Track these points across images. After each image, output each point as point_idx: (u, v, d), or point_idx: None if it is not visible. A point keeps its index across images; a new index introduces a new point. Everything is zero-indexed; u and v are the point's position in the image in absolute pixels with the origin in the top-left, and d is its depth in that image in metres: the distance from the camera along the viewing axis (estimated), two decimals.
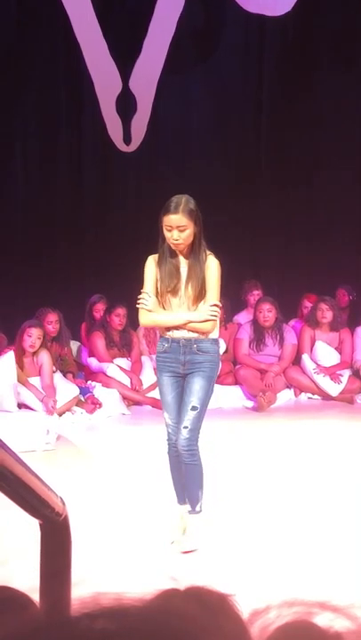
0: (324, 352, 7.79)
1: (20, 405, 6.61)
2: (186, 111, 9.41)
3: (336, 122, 9.34)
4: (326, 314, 7.79)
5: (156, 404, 6.40)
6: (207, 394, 3.85)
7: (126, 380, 7.47)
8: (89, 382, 7.42)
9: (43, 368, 6.81)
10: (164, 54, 8.90)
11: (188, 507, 3.92)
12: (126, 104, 9.01)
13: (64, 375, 7.24)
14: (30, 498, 1.36)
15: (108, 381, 7.37)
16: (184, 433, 3.81)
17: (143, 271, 3.92)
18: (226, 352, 7.90)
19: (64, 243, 9.07)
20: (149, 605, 0.56)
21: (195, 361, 3.84)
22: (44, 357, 6.82)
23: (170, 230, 3.76)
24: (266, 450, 5.81)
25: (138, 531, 4.02)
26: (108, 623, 0.52)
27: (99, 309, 7.99)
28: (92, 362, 7.65)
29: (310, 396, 7.81)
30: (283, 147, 9.41)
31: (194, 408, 3.80)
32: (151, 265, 3.90)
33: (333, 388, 7.62)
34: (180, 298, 3.85)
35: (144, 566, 3.58)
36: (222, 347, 7.82)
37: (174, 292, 3.85)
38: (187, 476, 3.90)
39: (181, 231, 3.74)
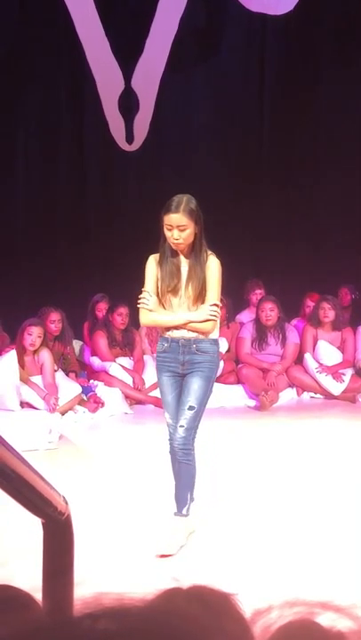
0: (327, 351, 7.78)
1: (23, 404, 6.62)
2: (188, 110, 9.41)
3: (338, 121, 9.33)
4: (329, 313, 7.79)
5: (159, 404, 6.39)
6: (205, 394, 3.84)
7: (129, 379, 7.47)
8: (91, 381, 7.42)
9: (44, 366, 6.81)
10: (167, 53, 8.90)
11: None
12: (128, 103, 9.02)
13: (66, 374, 7.25)
14: (33, 496, 1.36)
15: (110, 380, 7.38)
16: (180, 432, 3.80)
17: (144, 270, 3.92)
18: (228, 351, 7.91)
19: (66, 242, 9.08)
20: (151, 605, 0.57)
21: (194, 361, 3.83)
22: (46, 356, 6.82)
23: (170, 230, 3.75)
24: (268, 449, 5.80)
25: (140, 530, 4.02)
26: (111, 623, 0.52)
27: (101, 308, 8.00)
28: (95, 361, 7.65)
29: (313, 395, 7.81)
30: (285, 145, 9.40)
31: (191, 408, 3.79)
32: (152, 264, 3.90)
33: (336, 387, 7.62)
34: (181, 298, 3.84)
35: (146, 566, 3.59)
36: (225, 346, 7.82)
37: (175, 291, 3.84)
38: (178, 476, 3.87)
39: (182, 230, 3.73)
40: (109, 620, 0.53)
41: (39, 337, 6.79)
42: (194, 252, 3.83)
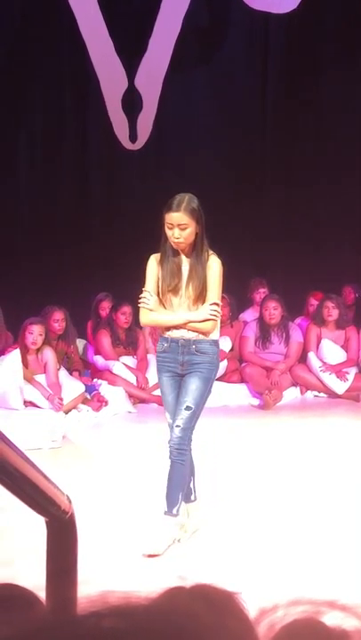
0: (330, 350, 7.78)
1: (26, 403, 6.62)
2: (190, 109, 9.40)
3: (340, 121, 9.32)
4: (332, 312, 7.78)
5: (162, 402, 6.40)
6: (203, 395, 3.81)
7: (132, 378, 7.48)
8: (95, 380, 7.43)
9: (48, 365, 6.82)
10: (170, 52, 8.90)
11: (165, 507, 3.83)
12: (132, 102, 9.02)
13: (70, 373, 7.25)
14: (37, 495, 1.36)
15: (114, 379, 7.38)
16: (176, 432, 3.79)
17: (145, 270, 3.91)
18: (232, 350, 7.91)
19: (70, 241, 9.07)
20: (157, 604, 0.56)
21: (193, 362, 3.82)
22: (49, 355, 6.83)
23: (171, 228, 3.73)
24: (271, 448, 5.80)
25: (143, 529, 4.02)
26: (117, 621, 0.52)
27: (105, 307, 8.00)
28: (98, 360, 7.66)
29: (316, 393, 7.80)
30: (287, 145, 9.40)
31: (188, 408, 3.78)
32: (153, 264, 3.88)
33: (339, 386, 7.61)
34: (181, 297, 3.82)
35: (149, 565, 3.59)
36: (228, 344, 7.82)
37: (175, 291, 3.82)
38: (171, 476, 3.84)
39: (182, 229, 3.71)
40: (116, 619, 0.53)
41: (40, 335, 6.79)
42: (195, 251, 3.81)
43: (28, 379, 6.66)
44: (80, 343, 8.02)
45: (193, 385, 3.80)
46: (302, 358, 7.87)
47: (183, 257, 3.84)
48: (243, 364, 7.83)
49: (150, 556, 3.66)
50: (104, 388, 7.26)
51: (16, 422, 5.92)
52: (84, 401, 7.02)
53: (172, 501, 3.82)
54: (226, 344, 7.75)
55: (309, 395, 7.82)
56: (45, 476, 1.37)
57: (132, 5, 9.03)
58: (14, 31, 8.87)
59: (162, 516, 3.84)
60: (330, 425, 6.56)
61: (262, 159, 9.56)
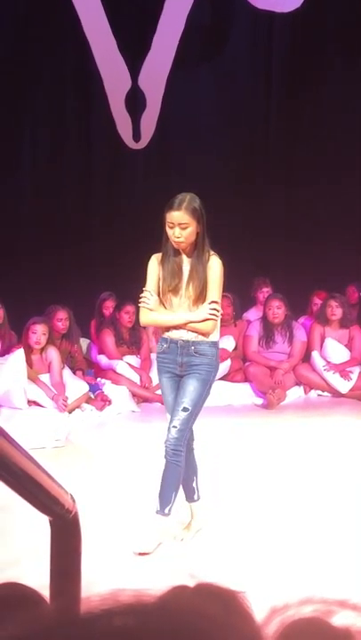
0: (334, 349, 7.77)
1: (30, 403, 6.62)
2: (193, 108, 9.39)
3: (343, 121, 9.30)
4: (336, 311, 7.78)
5: None
6: (200, 396, 3.80)
7: (136, 378, 7.48)
8: (98, 379, 7.43)
9: (52, 365, 6.82)
10: (173, 51, 8.89)
11: (158, 507, 3.83)
12: (135, 101, 9.01)
13: (74, 372, 7.26)
14: (40, 495, 1.36)
15: (117, 378, 7.38)
16: (172, 432, 3.78)
17: (146, 270, 3.90)
18: (235, 349, 7.91)
19: (73, 240, 9.08)
20: (167, 602, 0.56)
21: (192, 363, 3.80)
22: (53, 354, 6.83)
23: (172, 227, 3.72)
24: (275, 447, 5.80)
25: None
26: (128, 620, 0.52)
27: (108, 307, 8.00)
28: (102, 359, 7.66)
29: (320, 393, 7.80)
30: (291, 144, 9.39)
31: (185, 409, 3.77)
32: (154, 264, 3.87)
33: (343, 385, 7.61)
34: (181, 297, 3.80)
35: (152, 564, 3.59)
36: (232, 344, 7.82)
37: (175, 291, 3.81)
38: (165, 475, 3.84)
39: (183, 229, 3.70)
40: (127, 617, 0.52)
41: (44, 334, 6.79)
42: (196, 251, 3.79)
43: (33, 378, 6.66)
44: (84, 342, 8.02)
45: (191, 386, 3.78)
46: (306, 357, 7.86)
47: (184, 257, 3.83)
48: (246, 364, 7.82)
49: (140, 554, 3.67)
50: (108, 387, 7.26)
51: (20, 421, 5.93)
52: (88, 400, 7.02)
53: (164, 501, 3.82)
54: (229, 343, 7.75)
55: (313, 394, 7.81)
56: (49, 475, 1.37)
57: (135, 4, 9.02)
58: (16, 30, 8.87)
59: (153, 514, 3.83)
60: (334, 424, 6.55)
61: (264, 159, 9.55)
